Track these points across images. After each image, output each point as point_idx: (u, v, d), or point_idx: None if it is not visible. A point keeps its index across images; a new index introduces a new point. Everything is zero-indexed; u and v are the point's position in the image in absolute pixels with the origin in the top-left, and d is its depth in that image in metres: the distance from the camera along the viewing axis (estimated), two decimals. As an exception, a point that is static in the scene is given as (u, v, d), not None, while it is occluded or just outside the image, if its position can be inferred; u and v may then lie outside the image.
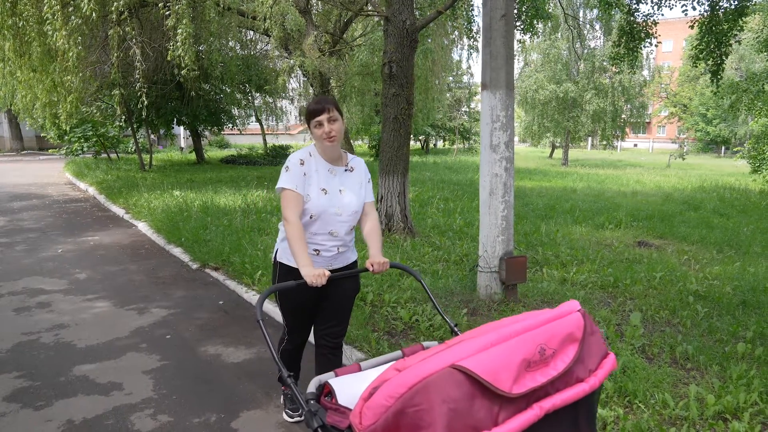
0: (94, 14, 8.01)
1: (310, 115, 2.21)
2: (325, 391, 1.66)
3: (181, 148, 27.63)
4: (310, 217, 2.25)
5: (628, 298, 4.54)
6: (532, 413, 1.25)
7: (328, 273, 2.01)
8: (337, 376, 1.72)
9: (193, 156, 20.17)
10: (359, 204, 2.34)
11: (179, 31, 8.37)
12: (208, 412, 2.80)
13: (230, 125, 19.60)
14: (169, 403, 2.89)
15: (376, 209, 6.58)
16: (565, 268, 5.40)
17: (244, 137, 31.80)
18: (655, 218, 8.53)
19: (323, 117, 2.18)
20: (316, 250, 2.30)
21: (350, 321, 3.81)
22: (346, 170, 2.35)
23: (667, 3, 8.22)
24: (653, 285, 4.87)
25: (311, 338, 2.60)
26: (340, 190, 2.30)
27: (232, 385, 3.10)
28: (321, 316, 2.45)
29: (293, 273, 2.22)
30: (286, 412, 2.73)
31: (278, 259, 2.38)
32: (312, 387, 1.67)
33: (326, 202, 2.24)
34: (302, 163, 2.24)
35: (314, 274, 1.98)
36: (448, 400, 1.16)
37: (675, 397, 2.79)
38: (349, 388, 1.62)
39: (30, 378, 3.18)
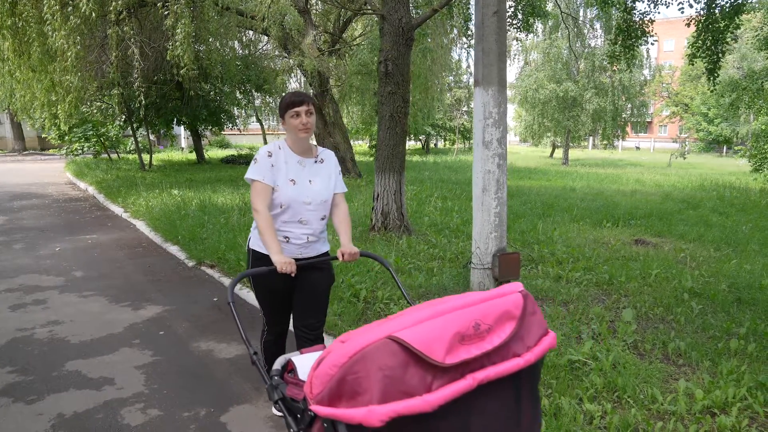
0: (93, 14, 8.04)
1: (288, 105, 2.28)
2: (289, 368, 1.78)
3: (182, 148, 27.72)
4: (280, 207, 2.34)
5: (623, 295, 4.54)
6: (465, 383, 1.32)
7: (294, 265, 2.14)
8: (301, 354, 1.85)
9: (193, 156, 20.22)
10: (328, 193, 2.42)
11: (178, 30, 8.40)
12: (198, 407, 2.81)
13: (230, 125, 19.64)
14: (160, 398, 2.90)
15: (372, 207, 6.62)
16: (561, 265, 5.39)
17: (245, 137, 31.90)
18: (654, 216, 8.51)
19: (302, 108, 2.27)
20: (285, 237, 2.37)
21: (344, 317, 3.84)
22: (316, 162, 2.44)
23: (663, 1, 8.20)
24: (648, 282, 4.86)
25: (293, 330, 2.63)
26: (310, 181, 2.38)
27: (223, 381, 3.12)
28: (296, 308, 2.48)
29: (264, 259, 2.31)
30: (275, 407, 2.73)
31: (251, 246, 2.46)
32: (277, 365, 1.80)
33: (295, 192, 2.32)
34: (270, 155, 2.33)
35: (284, 261, 2.11)
36: (383, 367, 1.24)
37: (664, 392, 2.79)
38: (309, 364, 1.71)
39: (23, 373, 3.19)
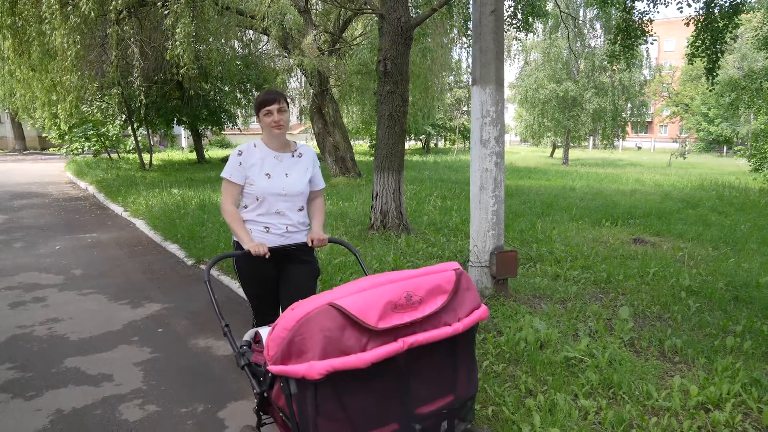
0: (92, 13, 8.06)
1: (261, 104, 2.38)
2: (257, 339, 1.99)
3: (182, 148, 27.76)
4: (257, 200, 2.43)
5: (621, 293, 4.54)
6: (397, 345, 1.52)
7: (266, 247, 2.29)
8: (269, 327, 2.03)
9: (193, 155, 20.25)
10: (304, 186, 2.51)
11: (178, 30, 8.42)
12: (196, 403, 2.83)
13: (231, 125, 19.66)
14: (158, 394, 2.92)
15: (371, 206, 6.64)
16: (559, 264, 5.40)
17: (246, 137, 31.93)
18: (653, 216, 8.51)
19: (274, 107, 2.36)
20: (266, 227, 2.46)
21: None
22: (293, 156, 2.53)
23: (662, 0, 8.20)
24: (646, 281, 4.87)
25: None
26: (286, 174, 2.47)
27: (221, 377, 3.13)
28: (283, 302, 2.54)
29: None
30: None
31: (235, 239, 2.55)
32: (247, 336, 2.03)
33: (269, 185, 2.42)
34: (240, 154, 2.44)
35: (255, 245, 2.27)
36: (324, 329, 1.44)
37: (659, 388, 2.80)
38: None
39: (22, 369, 3.21)
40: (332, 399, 1.46)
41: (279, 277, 2.53)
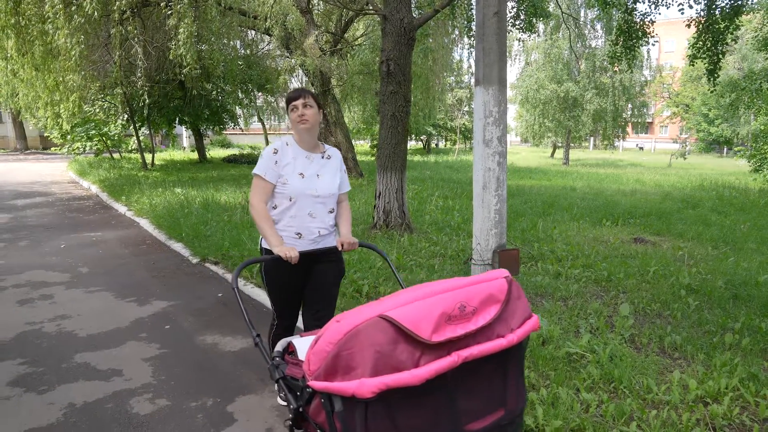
0: (96, 13, 8.12)
1: (287, 102, 2.44)
2: (290, 349, 1.88)
3: (183, 148, 27.81)
4: (290, 199, 2.42)
5: (621, 291, 4.60)
6: (451, 360, 1.42)
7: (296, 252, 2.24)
8: (301, 337, 1.95)
9: (194, 155, 20.30)
10: (335, 187, 2.53)
11: (181, 30, 8.48)
12: (205, 397, 2.88)
13: (232, 125, 19.71)
14: (167, 389, 2.97)
15: (374, 205, 6.69)
16: (560, 263, 5.46)
17: (247, 137, 32.00)
18: (653, 215, 8.57)
19: (299, 102, 2.39)
20: (298, 233, 2.44)
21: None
22: (323, 157, 2.54)
23: (664, 2, 8.26)
24: (646, 279, 4.92)
25: (301, 324, 2.70)
26: (318, 175, 2.48)
27: (229, 372, 3.19)
28: (307, 301, 2.56)
29: (277, 259, 2.37)
30: (281, 396, 2.80)
31: (263, 245, 2.54)
32: (279, 347, 1.92)
33: (303, 185, 2.42)
34: (275, 152, 2.43)
35: (286, 249, 2.24)
36: (374, 344, 1.34)
37: (659, 383, 2.86)
38: (308, 345, 1.78)
39: (33, 365, 3.26)
40: (384, 417, 1.37)
41: (306, 279, 2.52)
